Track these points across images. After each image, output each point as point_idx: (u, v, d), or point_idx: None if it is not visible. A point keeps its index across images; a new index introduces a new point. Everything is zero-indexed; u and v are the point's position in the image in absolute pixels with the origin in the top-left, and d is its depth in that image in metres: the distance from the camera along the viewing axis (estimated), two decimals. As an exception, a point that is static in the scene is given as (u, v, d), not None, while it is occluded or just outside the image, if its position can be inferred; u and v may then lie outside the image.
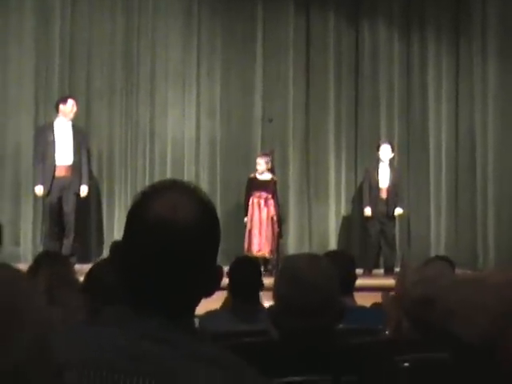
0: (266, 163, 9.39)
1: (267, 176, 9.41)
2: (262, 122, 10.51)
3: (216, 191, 10.28)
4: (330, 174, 10.69)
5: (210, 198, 1.45)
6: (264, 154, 9.57)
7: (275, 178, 9.53)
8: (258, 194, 9.37)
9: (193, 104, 10.45)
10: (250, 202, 9.39)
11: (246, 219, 9.44)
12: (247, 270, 4.22)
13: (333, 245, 10.46)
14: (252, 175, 9.54)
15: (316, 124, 10.72)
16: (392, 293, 2.73)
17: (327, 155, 10.70)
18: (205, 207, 1.40)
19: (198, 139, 10.43)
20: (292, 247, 10.35)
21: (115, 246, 5.20)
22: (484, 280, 1.44)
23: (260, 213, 9.32)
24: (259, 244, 9.26)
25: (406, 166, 10.69)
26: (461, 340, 1.36)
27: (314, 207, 10.65)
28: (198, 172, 10.41)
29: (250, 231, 9.35)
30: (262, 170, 9.38)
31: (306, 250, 10.19)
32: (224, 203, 10.18)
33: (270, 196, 9.37)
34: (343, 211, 10.71)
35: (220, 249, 1.43)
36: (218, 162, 10.48)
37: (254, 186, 9.39)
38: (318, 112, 10.73)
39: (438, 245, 10.65)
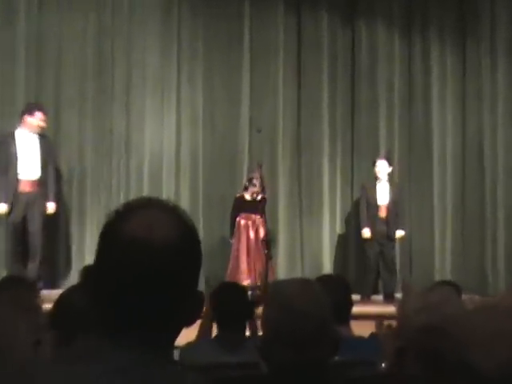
0: (261, 185, 9.33)
1: (258, 196, 9.37)
2: (250, 132, 10.52)
3: (198, 208, 10.26)
4: (324, 186, 10.70)
5: (191, 216, 1.46)
6: (257, 174, 9.39)
7: (265, 196, 9.50)
8: (245, 215, 9.34)
9: (172, 113, 10.45)
10: (237, 224, 9.35)
11: (231, 241, 9.41)
12: (233, 296, 4.21)
13: (327, 267, 10.45)
14: (239, 195, 9.49)
15: (309, 131, 10.74)
16: (387, 322, 2.73)
17: (321, 166, 10.70)
18: (184, 226, 1.40)
19: (178, 151, 10.43)
20: (282, 270, 10.33)
21: (86, 270, 5.17)
22: (497, 305, 1.44)
23: (248, 237, 9.29)
24: (248, 272, 9.20)
25: (408, 176, 10.72)
26: (478, 371, 1.36)
27: (307, 224, 10.65)
28: (178, 187, 10.40)
29: (236, 257, 9.30)
30: (257, 191, 9.32)
31: (297, 272, 10.19)
32: (207, 222, 10.16)
33: (258, 217, 9.34)
34: (338, 229, 10.71)
35: (202, 273, 1.43)
36: (201, 176, 10.46)
37: (242, 206, 9.35)
38: (311, 118, 10.76)
39: (442, 267, 10.65)
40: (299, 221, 10.66)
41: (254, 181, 9.35)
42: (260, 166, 9.47)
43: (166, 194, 10.09)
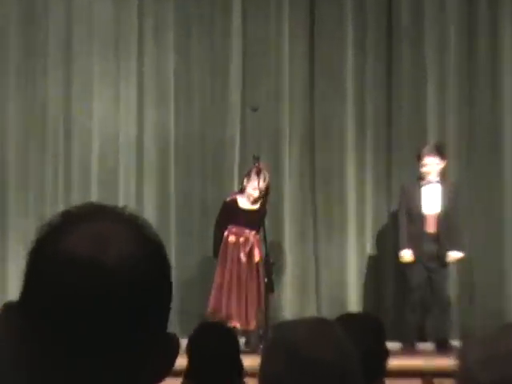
0: (261, 189, 9.30)
1: (256, 204, 9.36)
2: (242, 111, 10.53)
3: (168, 218, 10.27)
4: (348, 191, 10.70)
5: (159, 228, 1.45)
6: (257, 171, 9.36)
7: (265, 205, 9.44)
8: (236, 229, 9.33)
9: (132, 82, 10.48)
10: (224, 241, 9.34)
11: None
12: (217, 342, 4.21)
13: (353, 302, 10.47)
14: (230, 199, 9.47)
15: (326, 114, 10.75)
16: (438, 381, 2.74)
17: (343, 162, 10.71)
18: (146, 242, 1.39)
19: (140, 136, 10.45)
20: (290, 306, 10.37)
21: (9, 308, 5.18)
22: None
23: (238, 260, 9.28)
24: (238, 310, 9.19)
25: (467, 179, 10.71)
26: None
27: (324, 243, 10.66)
28: (140, 188, 10.42)
29: (220, 288, 9.26)
30: (261, 189, 9.30)
31: (311, 310, 10.23)
32: (181, 237, 10.19)
33: (253, 233, 9.33)
34: (369, 249, 10.72)
35: (174, 310, 1.42)
36: (172, 172, 10.47)
37: (234, 216, 9.33)
38: (329, 96, 10.77)
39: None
40: (313, 238, 10.67)
41: (253, 175, 9.29)
42: (257, 160, 9.42)
43: (124, 197, 10.11)
